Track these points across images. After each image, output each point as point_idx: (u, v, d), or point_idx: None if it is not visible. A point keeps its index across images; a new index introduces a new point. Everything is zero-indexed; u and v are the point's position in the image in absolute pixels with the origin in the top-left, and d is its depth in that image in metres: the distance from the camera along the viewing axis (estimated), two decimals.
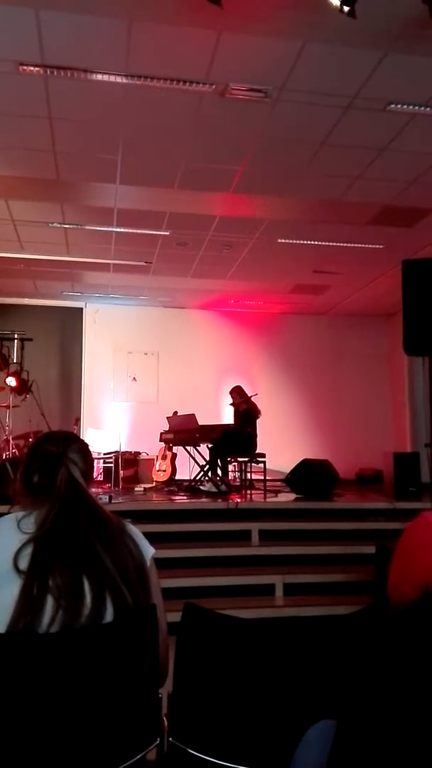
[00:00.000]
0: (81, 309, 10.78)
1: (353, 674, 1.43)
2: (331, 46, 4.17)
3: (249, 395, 8.21)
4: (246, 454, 7.61)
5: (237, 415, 8.24)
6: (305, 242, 7.70)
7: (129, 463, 9.11)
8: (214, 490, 7.43)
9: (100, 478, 8.77)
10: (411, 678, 1.31)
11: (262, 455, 7.51)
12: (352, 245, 7.75)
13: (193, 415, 7.85)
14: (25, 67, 4.40)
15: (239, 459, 7.86)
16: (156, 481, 8.64)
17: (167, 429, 8.60)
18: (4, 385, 8.94)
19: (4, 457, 7.59)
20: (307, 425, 10.86)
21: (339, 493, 7.27)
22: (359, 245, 7.74)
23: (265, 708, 1.60)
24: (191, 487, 7.68)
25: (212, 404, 9.94)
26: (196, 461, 7.92)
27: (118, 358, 10.71)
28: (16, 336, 10.23)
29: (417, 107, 4.85)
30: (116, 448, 8.62)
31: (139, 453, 9.44)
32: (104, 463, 8.80)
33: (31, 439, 7.91)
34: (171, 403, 9.43)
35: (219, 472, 7.78)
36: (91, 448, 1.84)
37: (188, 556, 5.21)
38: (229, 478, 8.12)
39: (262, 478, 7.45)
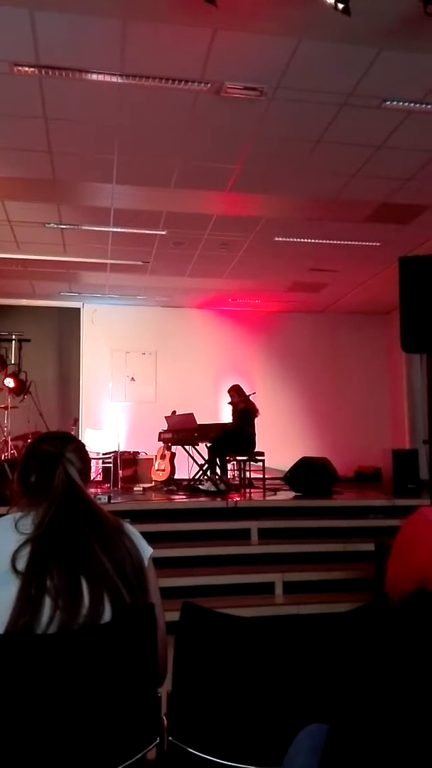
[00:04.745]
0: (78, 309, 10.77)
1: (351, 673, 1.43)
2: (326, 44, 4.17)
3: (247, 394, 8.20)
4: (245, 452, 7.61)
5: (235, 414, 8.24)
6: (302, 240, 7.69)
7: (128, 463, 9.11)
8: (213, 489, 7.43)
9: (99, 478, 8.76)
10: (407, 677, 1.30)
11: (261, 454, 7.51)
12: (349, 243, 7.75)
13: (192, 414, 7.85)
14: (20, 68, 4.39)
15: (238, 458, 7.87)
16: (155, 481, 8.64)
17: (166, 428, 8.59)
18: (2, 386, 8.94)
19: (2, 458, 7.59)
20: (305, 423, 10.86)
21: (338, 490, 7.27)
22: (356, 243, 7.74)
23: (265, 706, 1.60)
24: (190, 487, 7.68)
25: (211, 403, 9.93)
26: (195, 460, 7.92)
27: (116, 358, 10.70)
28: (13, 337, 10.21)
29: (413, 104, 4.85)
30: (115, 448, 8.61)
31: (137, 453, 9.44)
32: (103, 463, 8.79)
33: (29, 440, 7.91)
34: (169, 402, 9.42)
35: (218, 471, 7.78)
36: (89, 449, 1.84)
37: (187, 555, 5.21)
38: (228, 477, 8.12)
39: (261, 476, 7.45)
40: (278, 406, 10.36)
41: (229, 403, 8.47)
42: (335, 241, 7.71)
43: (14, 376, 9.21)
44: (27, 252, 8.12)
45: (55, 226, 7.24)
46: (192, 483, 7.75)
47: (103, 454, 8.80)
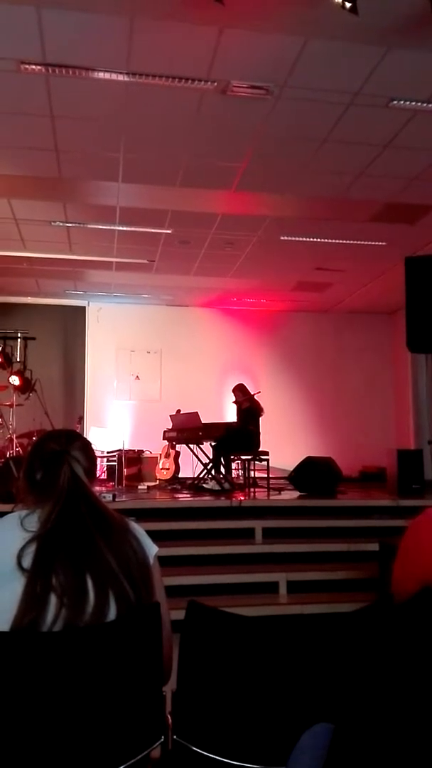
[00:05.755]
0: (84, 307, 10.79)
1: (355, 673, 1.43)
2: (333, 43, 4.16)
3: (252, 393, 8.20)
4: (249, 452, 7.61)
5: (240, 413, 8.24)
6: (307, 239, 7.68)
7: (132, 462, 9.11)
8: (217, 488, 7.43)
9: (104, 476, 8.77)
10: (411, 677, 1.30)
11: (266, 453, 7.50)
12: (355, 242, 7.73)
13: (196, 413, 7.85)
14: (26, 66, 4.39)
15: (242, 457, 7.87)
16: (159, 480, 8.65)
17: (170, 427, 8.60)
18: (7, 384, 8.95)
19: (8, 456, 7.60)
20: (310, 423, 10.85)
21: (342, 490, 7.26)
22: (362, 242, 7.72)
23: (269, 706, 1.59)
24: (194, 485, 7.69)
25: (215, 402, 9.94)
26: (199, 459, 7.92)
27: (121, 356, 10.72)
28: (19, 335, 10.22)
29: (419, 103, 4.84)
30: (120, 447, 8.62)
31: (142, 451, 9.45)
32: (108, 461, 8.79)
33: (34, 438, 7.92)
34: (174, 401, 9.44)
35: (222, 470, 7.78)
36: (94, 447, 1.84)
37: (192, 554, 5.21)
38: (233, 476, 8.12)
39: (266, 476, 7.45)
40: (283, 405, 10.35)
41: (234, 402, 8.47)
42: (341, 241, 7.70)
43: (19, 374, 9.21)
44: (33, 250, 8.14)
45: (61, 224, 7.26)
46: (196, 482, 7.76)
47: (108, 453, 8.81)
